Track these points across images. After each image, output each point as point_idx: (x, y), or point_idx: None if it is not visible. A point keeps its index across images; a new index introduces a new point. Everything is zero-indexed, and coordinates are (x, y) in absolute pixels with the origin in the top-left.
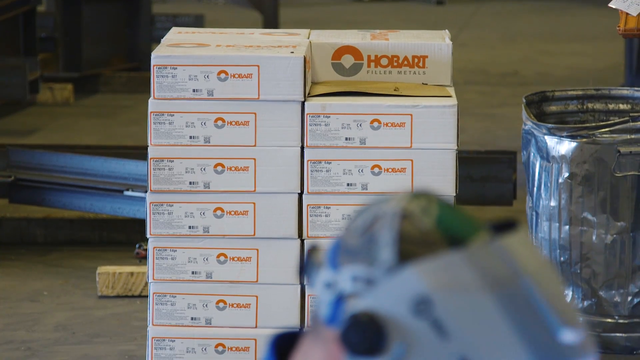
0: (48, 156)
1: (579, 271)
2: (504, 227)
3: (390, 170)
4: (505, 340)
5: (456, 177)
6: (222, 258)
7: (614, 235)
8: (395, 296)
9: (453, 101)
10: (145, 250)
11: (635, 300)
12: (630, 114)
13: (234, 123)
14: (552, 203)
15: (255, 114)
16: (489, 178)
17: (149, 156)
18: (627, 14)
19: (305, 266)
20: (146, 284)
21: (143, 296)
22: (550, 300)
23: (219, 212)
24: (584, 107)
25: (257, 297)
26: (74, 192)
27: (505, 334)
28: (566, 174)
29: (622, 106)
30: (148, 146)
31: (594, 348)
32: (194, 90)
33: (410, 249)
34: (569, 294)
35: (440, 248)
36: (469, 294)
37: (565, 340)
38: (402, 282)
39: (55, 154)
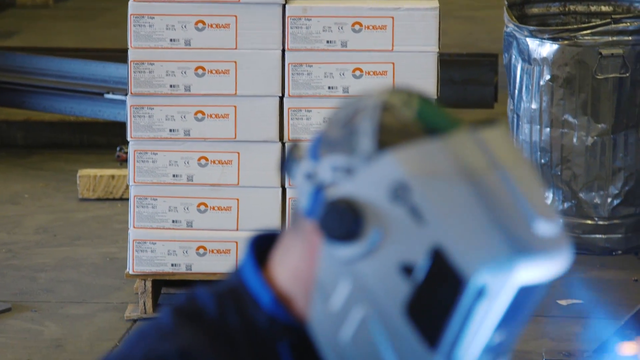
0: (28, 59)
1: (559, 173)
2: (484, 124)
3: (371, 73)
4: (480, 228)
5: (438, 80)
6: (203, 161)
7: (595, 138)
8: (373, 183)
9: (435, 3)
10: (126, 153)
11: (615, 202)
12: (612, 16)
13: (214, 26)
14: (533, 105)
15: (236, 16)
16: (470, 81)
17: (130, 59)
18: None
19: (286, 160)
20: (127, 187)
21: (124, 199)
22: (526, 191)
23: (199, 115)
24: (566, 9)
25: (238, 200)
26: (54, 95)
27: (480, 222)
28: (547, 77)
29: (604, 8)
30: (128, 49)
31: (569, 242)
32: None
33: (389, 138)
34: (549, 196)
35: (419, 138)
36: (446, 182)
37: (540, 230)
38: (380, 169)
39: (35, 57)
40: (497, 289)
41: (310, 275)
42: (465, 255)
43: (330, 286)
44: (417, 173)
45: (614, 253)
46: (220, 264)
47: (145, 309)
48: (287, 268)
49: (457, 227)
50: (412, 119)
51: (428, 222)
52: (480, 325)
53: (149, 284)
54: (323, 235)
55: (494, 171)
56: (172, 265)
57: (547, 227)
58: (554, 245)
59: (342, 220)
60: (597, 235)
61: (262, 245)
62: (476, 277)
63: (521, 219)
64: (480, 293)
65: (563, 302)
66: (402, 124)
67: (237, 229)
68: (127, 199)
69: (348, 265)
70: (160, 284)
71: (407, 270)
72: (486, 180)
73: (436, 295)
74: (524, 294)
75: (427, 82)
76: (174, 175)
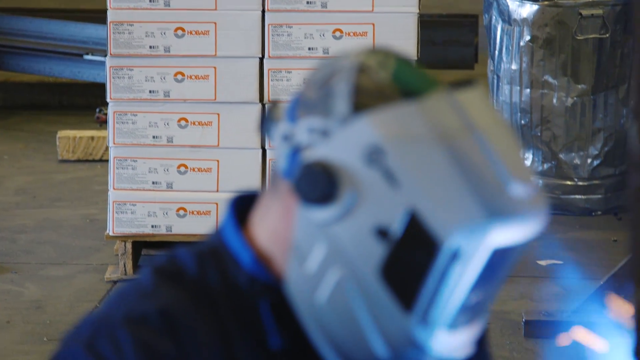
0: (6, 20)
1: (539, 134)
2: (462, 85)
3: (351, 34)
4: (455, 191)
5: (418, 41)
6: (183, 122)
7: (575, 98)
8: (348, 146)
9: None
10: (106, 114)
11: (595, 163)
12: None
13: None
14: (514, 66)
15: None
16: (450, 42)
17: (109, 20)
18: None
19: (264, 121)
20: (107, 148)
21: (104, 161)
22: (501, 154)
23: (179, 77)
24: None
25: (218, 161)
26: (33, 55)
27: (455, 185)
28: (527, 37)
29: None
30: (107, 9)
31: (545, 204)
32: None
33: (365, 100)
34: (528, 157)
35: (395, 100)
36: (421, 145)
37: (515, 193)
38: (355, 132)
39: (14, 18)
40: (472, 252)
41: (288, 236)
42: (440, 219)
43: (306, 248)
44: (392, 136)
45: (593, 214)
46: (201, 225)
47: (125, 270)
48: (266, 229)
49: (431, 190)
50: (387, 81)
51: (402, 186)
52: (456, 287)
53: (129, 245)
54: (298, 197)
55: (470, 134)
56: (152, 226)
57: (522, 189)
58: (529, 208)
59: (317, 183)
60: (577, 196)
61: (243, 206)
62: (451, 240)
63: (496, 182)
64: (455, 256)
65: (543, 263)
66: (377, 86)
67: (217, 191)
68: (107, 161)
69: (323, 227)
70: (141, 245)
71: (382, 233)
72: (461, 143)
73: (411, 258)
74: (500, 255)
75: (407, 43)
76: (153, 137)
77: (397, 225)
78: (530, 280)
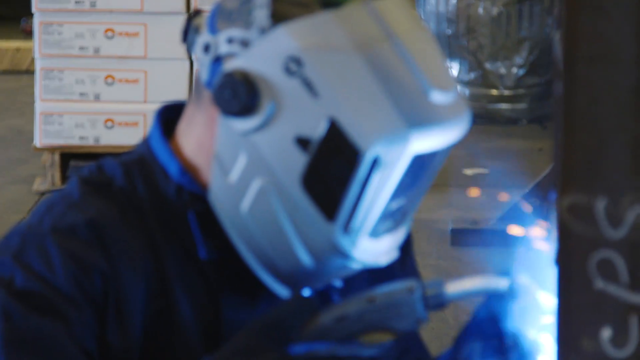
0: None
1: (465, 44)
2: None
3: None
4: (374, 100)
5: None
6: (109, 33)
7: (500, 8)
8: (268, 56)
9: None
10: (31, 25)
11: (520, 72)
12: None
13: None
14: None
15: None
16: None
17: None
18: None
19: (186, 31)
20: (33, 59)
21: (30, 72)
22: (421, 61)
23: None
24: None
25: (145, 72)
26: None
27: (374, 93)
28: None
29: None
30: None
31: (467, 111)
32: None
33: (284, 10)
34: (455, 66)
35: (313, 10)
36: (339, 54)
37: (435, 100)
38: (274, 42)
39: None
40: (392, 160)
41: (212, 146)
42: (360, 127)
43: (229, 158)
44: (310, 46)
45: (519, 123)
46: (129, 137)
47: (53, 182)
48: (191, 139)
49: (351, 100)
50: None
51: (321, 95)
52: (377, 194)
53: (57, 157)
54: (219, 107)
55: (388, 42)
56: (80, 138)
57: (443, 97)
58: (450, 115)
59: (237, 93)
60: (503, 105)
61: (170, 116)
62: (371, 148)
63: (415, 89)
64: (376, 164)
65: (469, 172)
66: None
67: (145, 102)
68: (33, 72)
69: (245, 137)
70: (69, 157)
71: (303, 142)
72: (380, 51)
73: (332, 168)
74: (422, 162)
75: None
76: (80, 48)
77: (317, 135)
78: (456, 189)
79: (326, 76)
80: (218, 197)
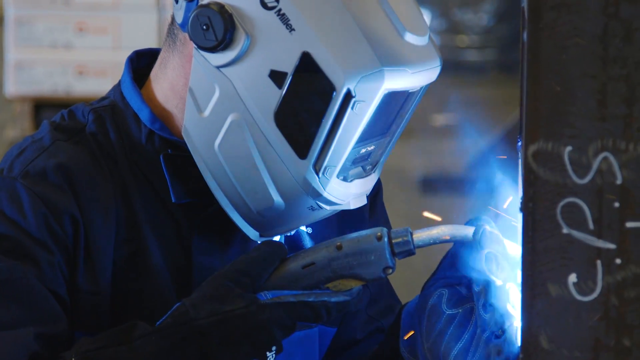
0: None
1: None
2: None
3: None
4: (349, 37)
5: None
6: None
7: None
8: None
9: None
10: None
11: (491, 20)
12: None
13: None
14: None
15: None
16: None
17: None
18: None
19: None
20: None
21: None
22: (397, 5)
23: None
24: None
25: (116, 20)
26: None
27: (349, 30)
28: None
29: None
30: None
31: (438, 55)
32: None
33: None
34: (425, 13)
35: None
36: None
37: (408, 41)
38: None
39: None
40: (365, 96)
41: (185, 89)
42: (334, 63)
43: (202, 93)
44: None
45: (489, 70)
46: (100, 86)
47: (24, 131)
48: (165, 83)
49: (325, 36)
50: None
51: (296, 30)
52: (349, 132)
53: (28, 106)
54: (194, 41)
55: None
56: (52, 87)
57: (416, 40)
58: (423, 57)
59: (212, 24)
60: (472, 53)
61: (142, 63)
62: (344, 84)
63: (390, 30)
64: (348, 101)
65: (439, 120)
66: None
67: (116, 50)
68: (4, 20)
69: (219, 71)
70: (40, 106)
71: (277, 77)
72: None
73: (305, 103)
74: (394, 104)
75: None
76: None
77: (291, 69)
78: (426, 138)
79: (302, 12)
80: (191, 133)
